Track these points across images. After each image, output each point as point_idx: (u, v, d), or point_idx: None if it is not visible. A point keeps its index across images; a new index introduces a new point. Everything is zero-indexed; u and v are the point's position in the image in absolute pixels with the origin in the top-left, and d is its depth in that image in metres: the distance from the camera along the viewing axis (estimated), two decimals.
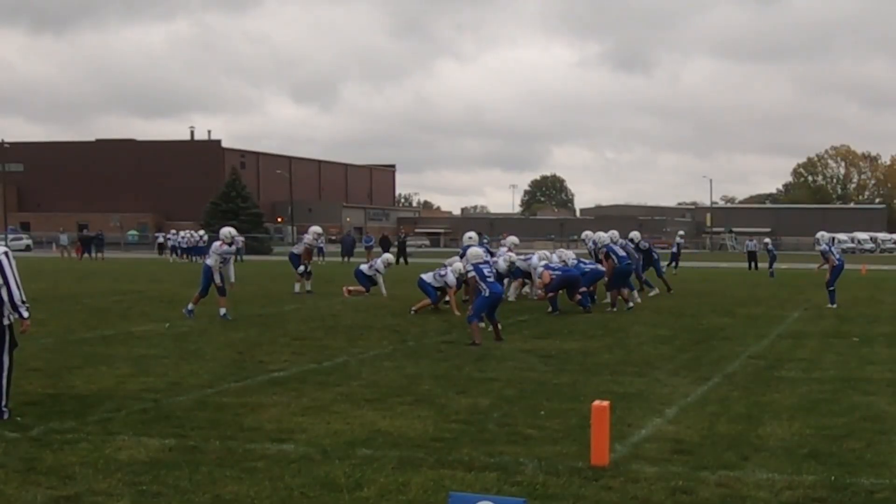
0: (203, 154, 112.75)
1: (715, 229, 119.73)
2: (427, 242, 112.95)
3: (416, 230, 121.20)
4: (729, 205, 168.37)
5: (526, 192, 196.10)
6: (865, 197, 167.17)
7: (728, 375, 11.76)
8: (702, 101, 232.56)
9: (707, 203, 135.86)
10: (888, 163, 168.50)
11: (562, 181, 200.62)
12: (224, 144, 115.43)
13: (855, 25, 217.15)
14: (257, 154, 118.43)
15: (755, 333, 16.35)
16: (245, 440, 8.00)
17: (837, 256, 22.35)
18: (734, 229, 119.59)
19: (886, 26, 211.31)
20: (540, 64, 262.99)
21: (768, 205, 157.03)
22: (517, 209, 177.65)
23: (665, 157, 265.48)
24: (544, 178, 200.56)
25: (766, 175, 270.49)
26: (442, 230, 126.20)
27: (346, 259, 52.08)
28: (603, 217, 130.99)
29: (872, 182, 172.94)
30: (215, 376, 11.45)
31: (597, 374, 11.83)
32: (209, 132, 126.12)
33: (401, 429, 8.49)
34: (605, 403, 7.35)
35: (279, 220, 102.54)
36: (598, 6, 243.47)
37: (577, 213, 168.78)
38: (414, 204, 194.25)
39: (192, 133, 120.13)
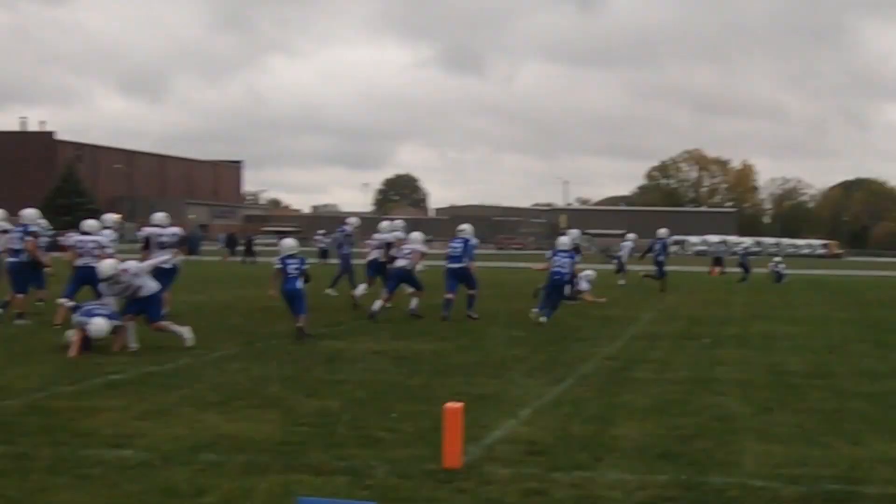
0: (34, 146, 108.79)
1: (570, 230, 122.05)
2: (276, 241, 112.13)
3: (265, 228, 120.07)
4: (584, 207, 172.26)
5: (378, 192, 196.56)
6: (717, 200, 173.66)
7: (582, 376, 12.01)
8: (538, 102, 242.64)
9: (561, 204, 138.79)
10: (739, 167, 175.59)
11: (415, 180, 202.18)
12: (57, 137, 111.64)
13: (678, 34, 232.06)
14: (94, 147, 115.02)
15: (609, 335, 16.76)
16: (80, 446, 7.74)
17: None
18: (589, 231, 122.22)
19: (707, 35, 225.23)
20: (374, 64, 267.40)
21: (623, 207, 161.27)
22: (369, 208, 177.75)
23: (508, 157, 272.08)
24: (398, 176, 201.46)
25: (610, 177, 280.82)
26: (292, 228, 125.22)
27: (190, 256, 51.07)
28: (458, 217, 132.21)
29: (724, 186, 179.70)
30: (47, 379, 11.04)
31: (450, 375, 11.90)
32: (42, 123, 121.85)
33: (246, 432, 8.36)
34: (458, 405, 7.39)
35: (118, 216, 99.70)
36: (421, 9, 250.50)
37: (433, 213, 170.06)
38: (262, 201, 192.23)
39: (22, 124, 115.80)
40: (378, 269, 21.45)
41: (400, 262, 19.52)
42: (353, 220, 25.85)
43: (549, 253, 20.26)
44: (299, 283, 15.88)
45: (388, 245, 21.05)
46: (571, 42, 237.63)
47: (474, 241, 20.11)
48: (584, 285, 23.81)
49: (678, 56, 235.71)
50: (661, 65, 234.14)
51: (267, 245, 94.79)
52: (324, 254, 48.51)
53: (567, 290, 19.50)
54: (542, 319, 18.36)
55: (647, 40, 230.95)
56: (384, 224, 22.26)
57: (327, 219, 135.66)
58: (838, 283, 41.16)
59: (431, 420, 8.73)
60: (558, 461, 7.55)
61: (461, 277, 19.53)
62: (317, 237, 53.42)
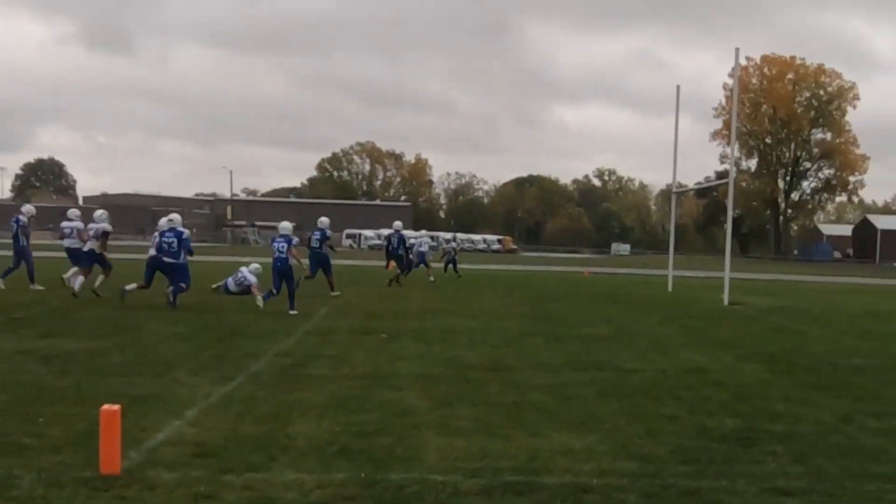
0: None
1: (237, 222, 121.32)
2: None
3: None
4: (251, 198, 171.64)
5: (17, 177, 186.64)
6: (391, 194, 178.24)
7: (253, 374, 11.91)
8: (197, 88, 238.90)
9: (227, 195, 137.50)
10: (413, 161, 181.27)
11: (61, 166, 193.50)
12: None
13: (342, 23, 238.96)
14: None
15: (282, 330, 16.73)
16: None
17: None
18: (257, 223, 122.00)
19: (373, 26, 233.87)
20: (4, 37, 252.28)
21: (293, 199, 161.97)
22: (7, 195, 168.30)
23: (166, 144, 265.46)
24: (40, 161, 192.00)
25: (278, 168, 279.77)
26: None
27: None
28: (110, 206, 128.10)
29: (398, 180, 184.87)
30: None
31: (107, 375, 11.46)
32: None
33: None
34: (116, 407, 7.16)
35: None
36: None
37: (81, 201, 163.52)
38: None
39: None
40: (95, 259, 22.79)
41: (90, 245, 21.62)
42: (28, 209, 24.90)
43: (271, 239, 22.10)
44: None
45: (106, 234, 22.94)
46: (231, 27, 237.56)
47: (187, 231, 21.16)
48: (251, 279, 23.86)
49: (344, 46, 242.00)
50: (327, 54, 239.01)
51: None
52: None
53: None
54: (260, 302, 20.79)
55: (310, 28, 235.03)
56: (98, 213, 23.47)
57: None
58: (513, 277, 43.27)
59: (85, 424, 8.40)
60: (229, 463, 7.46)
61: (176, 270, 20.53)
62: None
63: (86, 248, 22.91)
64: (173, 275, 20.52)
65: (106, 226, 23.04)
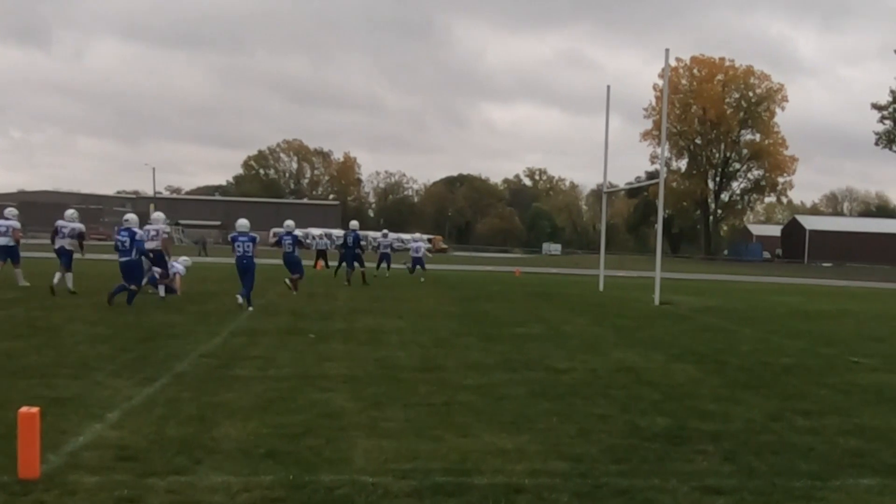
0: None
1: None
2: None
3: None
4: (175, 196, 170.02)
5: None
6: (320, 192, 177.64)
7: (178, 375, 11.79)
8: (115, 83, 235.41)
9: (150, 192, 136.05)
10: (342, 160, 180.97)
11: None
12: None
13: (264, 20, 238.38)
14: None
15: (206, 331, 16.59)
16: None
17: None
18: (181, 221, 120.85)
19: (297, 24, 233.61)
20: None
21: (218, 197, 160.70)
22: None
23: (84, 140, 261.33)
24: None
25: (202, 166, 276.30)
26: None
27: None
28: (27, 203, 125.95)
29: (326, 178, 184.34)
30: None
31: (24, 377, 11.26)
32: None
33: None
34: (35, 410, 7.05)
35: None
36: None
37: None
38: None
39: None
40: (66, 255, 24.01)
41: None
42: None
43: (230, 237, 22.55)
44: None
45: (82, 235, 24.22)
46: (149, 21, 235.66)
47: (140, 231, 21.65)
48: (178, 268, 24.07)
49: (267, 43, 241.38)
50: (250, 51, 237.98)
51: None
52: None
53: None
54: (240, 300, 21.52)
55: (231, 24, 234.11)
56: (69, 212, 24.71)
57: None
58: (444, 277, 43.25)
59: (3, 427, 8.27)
60: (153, 466, 7.38)
61: (129, 269, 20.92)
62: None
63: (68, 247, 24.06)
64: (127, 273, 20.89)
65: (82, 226, 24.24)
